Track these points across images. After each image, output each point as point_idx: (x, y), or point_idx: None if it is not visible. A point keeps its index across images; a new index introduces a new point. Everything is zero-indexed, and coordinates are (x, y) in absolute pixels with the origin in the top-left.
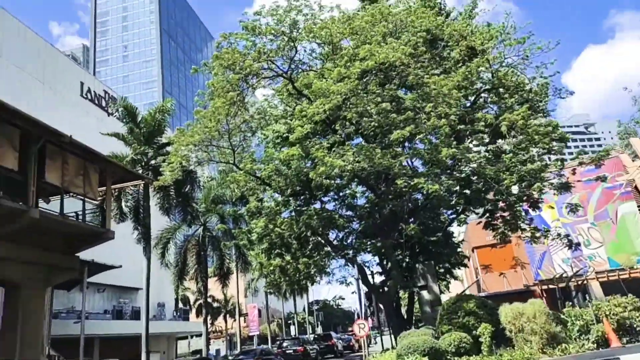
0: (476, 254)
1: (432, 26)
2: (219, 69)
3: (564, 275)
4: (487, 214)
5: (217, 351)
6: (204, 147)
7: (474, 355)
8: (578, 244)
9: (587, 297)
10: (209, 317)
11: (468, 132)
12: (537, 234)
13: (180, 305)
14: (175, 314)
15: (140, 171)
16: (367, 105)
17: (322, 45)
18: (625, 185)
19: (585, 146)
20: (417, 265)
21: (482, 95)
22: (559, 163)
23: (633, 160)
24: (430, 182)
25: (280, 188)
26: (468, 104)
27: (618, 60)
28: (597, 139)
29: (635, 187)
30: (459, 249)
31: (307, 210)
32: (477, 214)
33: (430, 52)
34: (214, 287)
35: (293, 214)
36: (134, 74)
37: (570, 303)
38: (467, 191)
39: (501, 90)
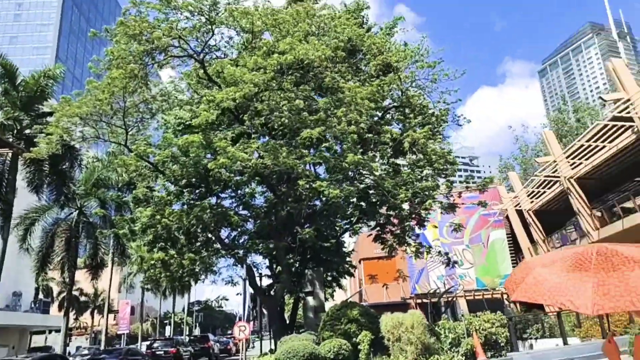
0: (363, 265)
1: (353, 35)
2: (123, 37)
3: (437, 291)
4: (379, 227)
5: (78, 348)
6: (93, 123)
7: None
8: (455, 262)
9: (455, 313)
10: (72, 312)
11: (374, 143)
12: (421, 250)
13: (41, 296)
14: (33, 306)
15: (10, 139)
16: (281, 101)
17: (241, 34)
18: (498, 214)
19: (468, 176)
20: (306, 270)
21: (390, 111)
22: (449, 184)
23: (508, 192)
24: (332, 187)
25: (174, 177)
26: (376, 118)
27: (506, 104)
28: (478, 172)
29: (507, 217)
30: (348, 259)
31: (200, 203)
32: (369, 226)
33: (348, 61)
34: (83, 279)
35: (185, 207)
36: (25, 35)
37: (446, 316)
38: (363, 203)
39: (407, 110)
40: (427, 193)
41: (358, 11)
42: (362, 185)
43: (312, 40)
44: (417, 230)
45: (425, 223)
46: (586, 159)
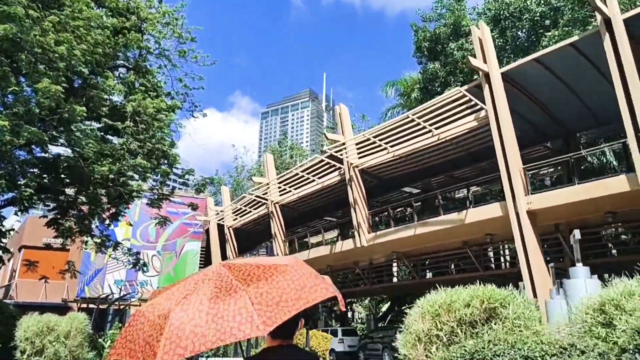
0: (23, 253)
1: None
2: None
3: (110, 296)
4: (59, 210)
5: None
6: None
7: None
8: (145, 264)
9: (124, 323)
10: None
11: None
12: (108, 244)
13: None
14: None
15: None
16: None
17: None
18: (200, 225)
19: (182, 183)
20: None
21: (119, 69)
22: (167, 172)
23: (216, 204)
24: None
25: None
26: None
27: (228, 129)
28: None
29: (207, 230)
30: (3, 240)
31: None
32: (47, 205)
33: None
34: None
35: None
36: None
37: (119, 325)
38: (46, 175)
39: (140, 77)
40: (140, 174)
41: None
42: (52, 145)
43: None
44: (107, 224)
45: (122, 216)
46: (295, 188)
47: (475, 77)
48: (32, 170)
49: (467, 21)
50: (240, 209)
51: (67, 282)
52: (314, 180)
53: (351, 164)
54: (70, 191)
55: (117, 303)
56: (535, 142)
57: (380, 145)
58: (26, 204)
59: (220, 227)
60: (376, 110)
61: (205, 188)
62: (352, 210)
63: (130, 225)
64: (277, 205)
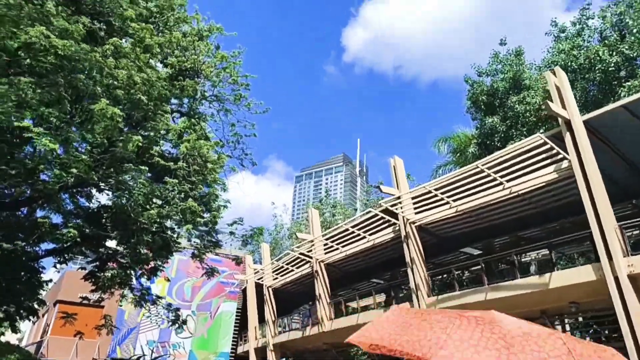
0: (57, 308)
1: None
2: None
3: (141, 358)
4: (98, 262)
5: None
6: None
7: None
8: (184, 322)
9: None
10: None
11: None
12: (147, 297)
13: None
14: None
15: None
16: None
17: None
18: (236, 285)
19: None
20: None
21: (174, 114)
22: (214, 219)
23: (254, 263)
24: (50, 139)
25: None
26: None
27: (261, 192)
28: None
29: (244, 290)
30: (42, 291)
31: None
32: (87, 257)
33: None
34: None
35: None
36: None
37: None
38: (87, 226)
39: (194, 119)
40: (189, 220)
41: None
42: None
43: None
44: (144, 281)
45: (161, 270)
46: (342, 246)
47: (541, 130)
48: (76, 220)
49: (528, 74)
50: (282, 267)
51: (98, 341)
52: (364, 237)
53: (407, 219)
54: (111, 243)
55: None
56: (617, 200)
57: (441, 200)
58: (66, 256)
59: (258, 287)
60: (415, 173)
61: (254, 239)
62: (409, 270)
63: (168, 280)
64: (322, 264)
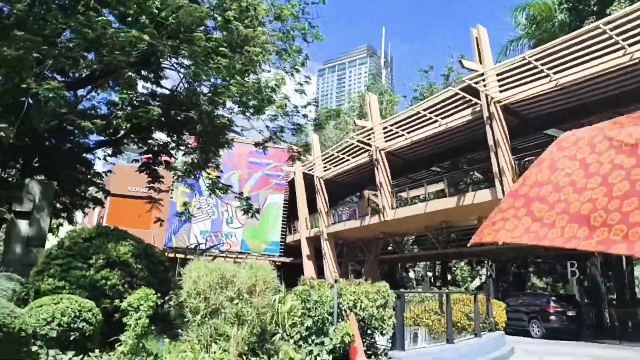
0: (109, 201)
1: None
2: None
3: (198, 246)
4: (160, 148)
5: None
6: None
7: (95, 353)
8: (257, 211)
9: None
10: None
11: None
12: (220, 186)
13: None
14: None
15: None
16: None
17: None
18: (282, 177)
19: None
20: (27, 180)
21: None
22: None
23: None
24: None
25: None
26: None
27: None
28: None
29: (289, 182)
30: (101, 180)
31: None
32: (140, 146)
33: None
34: None
35: None
36: None
37: None
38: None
39: None
40: (257, 96)
41: None
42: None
43: None
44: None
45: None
46: (408, 132)
47: None
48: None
49: None
50: (337, 156)
51: (152, 232)
52: (435, 121)
53: (491, 98)
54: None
55: (205, 254)
56: None
57: (537, 73)
58: (115, 149)
59: (307, 179)
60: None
61: (327, 123)
62: (492, 154)
63: (220, 171)
64: (382, 152)
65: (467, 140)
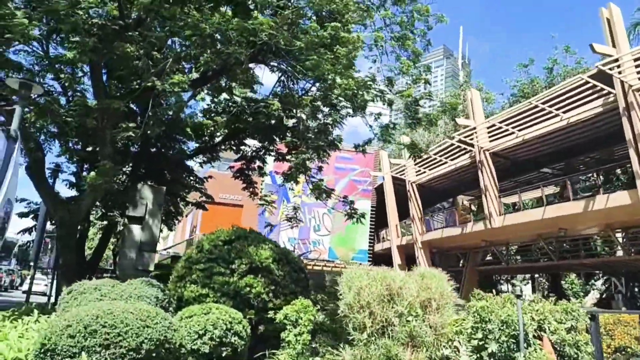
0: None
1: None
2: None
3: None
4: (255, 153)
5: None
6: None
7: None
8: (363, 216)
9: None
10: None
11: None
12: (322, 189)
13: None
14: None
15: None
16: None
17: None
18: (369, 183)
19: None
20: (139, 185)
21: None
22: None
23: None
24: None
25: None
26: None
27: None
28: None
29: (377, 188)
30: (203, 186)
31: None
32: (239, 152)
33: None
34: None
35: None
36: None
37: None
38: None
39: None
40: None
41: None
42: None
43: None
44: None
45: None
46: (519, 130)
47: None
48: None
49: None
50: (433, 159)
51: None
52: (556, 115)
53: (630, 86)
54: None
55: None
56: None
57: None
58: (211, 155)
59: (397, 184)
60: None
61: (441, 118)
62: (631, 150)
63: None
64: (486, 153)
65: (590, 137)
